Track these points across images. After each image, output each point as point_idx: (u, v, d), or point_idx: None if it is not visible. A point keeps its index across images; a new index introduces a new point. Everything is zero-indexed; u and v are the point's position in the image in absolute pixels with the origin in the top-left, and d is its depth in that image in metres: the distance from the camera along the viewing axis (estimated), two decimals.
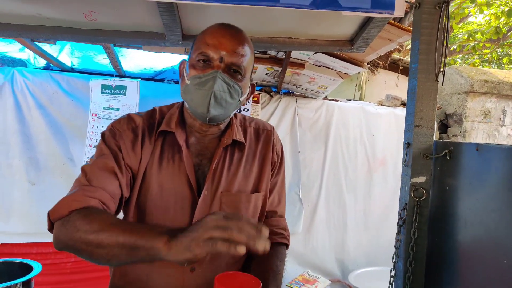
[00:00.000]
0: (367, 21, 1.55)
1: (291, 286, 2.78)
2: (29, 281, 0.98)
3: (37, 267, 1.00)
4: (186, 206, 1.12)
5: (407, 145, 1.21)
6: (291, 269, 3.03)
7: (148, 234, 0.84)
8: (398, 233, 1.23)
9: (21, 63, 2.92)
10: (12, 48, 2.73)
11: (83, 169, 1.08)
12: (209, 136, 1.18)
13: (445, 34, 1.13)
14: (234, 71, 1.08)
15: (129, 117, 1.17)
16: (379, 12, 1.20)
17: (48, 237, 3.04)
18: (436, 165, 1.18)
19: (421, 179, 1.19)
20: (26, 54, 2.87)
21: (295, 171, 3.12)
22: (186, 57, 2.78)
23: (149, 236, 0.83)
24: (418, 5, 1.18)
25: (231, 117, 1.21)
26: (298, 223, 3.11)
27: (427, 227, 1.20)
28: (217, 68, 1.05)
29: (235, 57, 1.07)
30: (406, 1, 1.20)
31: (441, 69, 1.16)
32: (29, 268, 1.03)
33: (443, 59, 1.14)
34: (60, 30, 1.69)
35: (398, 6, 1.19)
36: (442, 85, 1.16)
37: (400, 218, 1.22)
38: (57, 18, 1.62)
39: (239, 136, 1.21)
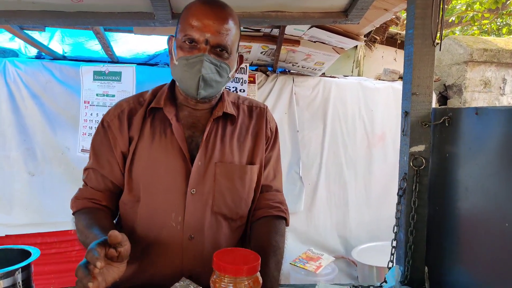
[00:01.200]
0: None
1: (295, 264, 2.80)
2: (28, 266, 0.98)
3: (35, 252, 1.00)
4: (181, 177, 1.13)
5: (405, 113, 1.19)
6: (294, 247, 3.05)
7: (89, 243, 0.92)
8: (398, 203, 1.22)
9: (12, 53, 2.88)
10: (2, 38, 2.69)
11: (84, 170, 1.23)
12: (200, 111, 1.20)
13: None
14: (220, 50, 1.10)
15: (116, 105, 1.23)
16: None
17: (52, 227, 3.05)
18: (435, 133, 1.16)
19: (420, 147, 1.17)
20: (16, 44, 2.82)
21: (294, 150, 3.11)
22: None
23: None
24: None
25: (221, 92, 1.23)
26: (299, 202, 3.11)
27: (427, 196, 1.18)
28: (203, 51, 1.08)
29: (220, 37, 1.08)
30: None
31: (438, 33, 1.13)
32: (28, 254, 1.02)
33: (440, 22, 1.11)
34: (47, 14, 1.65)
35: None
36: (440, 50, 1.13)
37: (400, 188, 1.21)
38: (44, 2, 1.58)
39: (230, 110, 1.22)
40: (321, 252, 3.01)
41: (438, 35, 1.15)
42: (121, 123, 1.17)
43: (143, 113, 1.18)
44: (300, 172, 3.08)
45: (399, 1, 1.82)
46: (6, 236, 2.83)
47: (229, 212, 1.19)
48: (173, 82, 1.24)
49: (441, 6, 1.13)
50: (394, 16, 2.09)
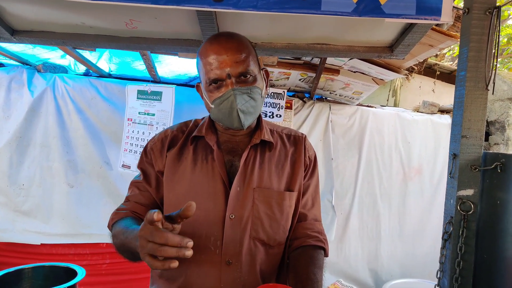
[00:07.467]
0: (408, 27, 1.50)
1: None
2: (73, 286, 1.00)
3: (81, 273, 1.03)
4: (219, 201, 1.16)
5: (453, 156, 1.16)
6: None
7: (132, 238, 0.96)
8: (443, 247, 1.18)
9: (62, 69, 3.03)
10: (54, 55, 2.84)
11: (129, 186, 1.29)
12: (239, 136, 1.25)
13: (497, 40, 1.08)
14: (244, 77, 1.13)
15: (161, 132, 1.32)
16: (425, 19, 1.16)
17: (85, 239, 3.11)
18: (485, 178, 1.12)
19: (469, 192, 1.14)
20: (67, 61, 2.97)
21: (328, 178, 3.08)
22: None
23: (132, 240, 0.95)
24: (467, 10, 1.13)
25: (259, 116, 1.28)
26: (330, 231, 3.06)
27: (474, 243, 1.14)
28: (230, 85, 1.11)
29: (239, 66, 1.11)
30: (453, 7, 1.15)
31: (492, 77, 1.11)
32: (73, 273, 1.05)
33: (494, 67, 1.09)
34: (102, 38, 1.74)
35: (445, 11, 1.14)
36: (493, 93, 1.11)
37: (445, 232, 1.17)
38: (100, 26, 1.66)
39: (268, 137, 1.25)
40: (350, 284, 2.92)
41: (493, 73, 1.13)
42: (162, 146, 1.25)
43: (184, 140, 1.25)
44: (333, 201, 3.04)
45: (445, 38, 1.80)
46: (42, 244, 2.92)
47: (267, 238, 1.19)
48: None
49: (496, 49, 1.12)
50: (438, 52, 2.07)
